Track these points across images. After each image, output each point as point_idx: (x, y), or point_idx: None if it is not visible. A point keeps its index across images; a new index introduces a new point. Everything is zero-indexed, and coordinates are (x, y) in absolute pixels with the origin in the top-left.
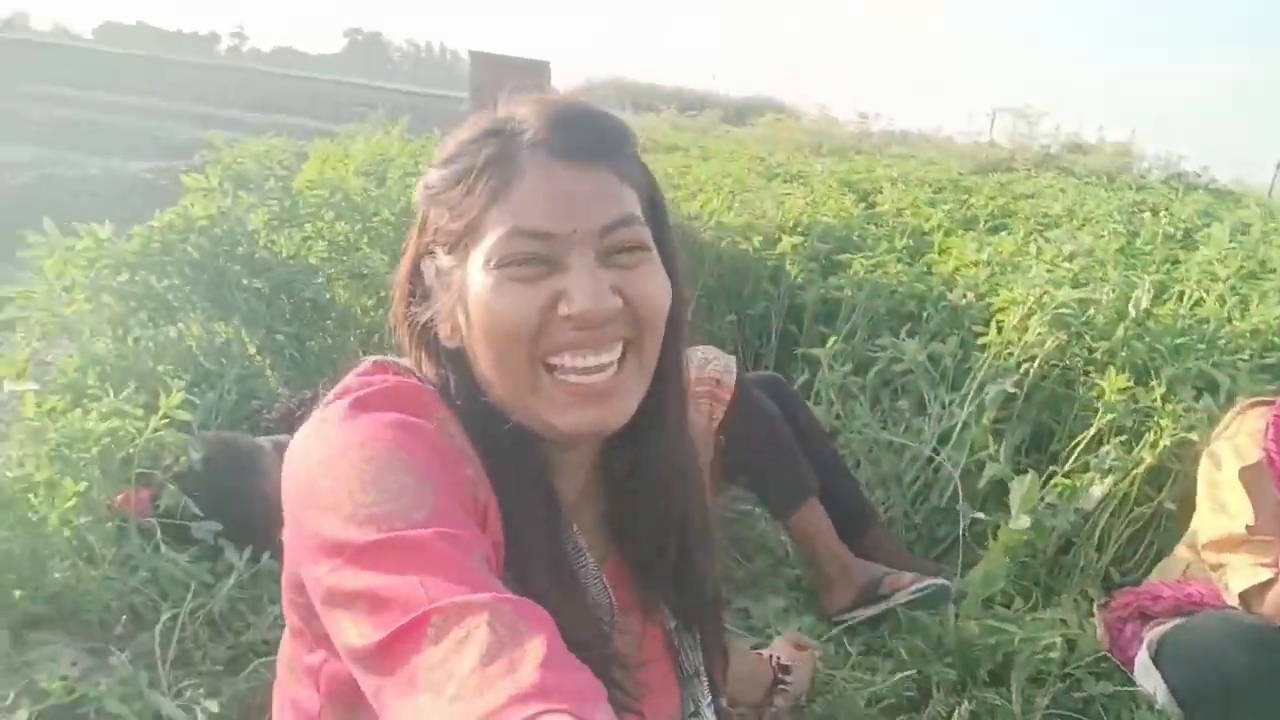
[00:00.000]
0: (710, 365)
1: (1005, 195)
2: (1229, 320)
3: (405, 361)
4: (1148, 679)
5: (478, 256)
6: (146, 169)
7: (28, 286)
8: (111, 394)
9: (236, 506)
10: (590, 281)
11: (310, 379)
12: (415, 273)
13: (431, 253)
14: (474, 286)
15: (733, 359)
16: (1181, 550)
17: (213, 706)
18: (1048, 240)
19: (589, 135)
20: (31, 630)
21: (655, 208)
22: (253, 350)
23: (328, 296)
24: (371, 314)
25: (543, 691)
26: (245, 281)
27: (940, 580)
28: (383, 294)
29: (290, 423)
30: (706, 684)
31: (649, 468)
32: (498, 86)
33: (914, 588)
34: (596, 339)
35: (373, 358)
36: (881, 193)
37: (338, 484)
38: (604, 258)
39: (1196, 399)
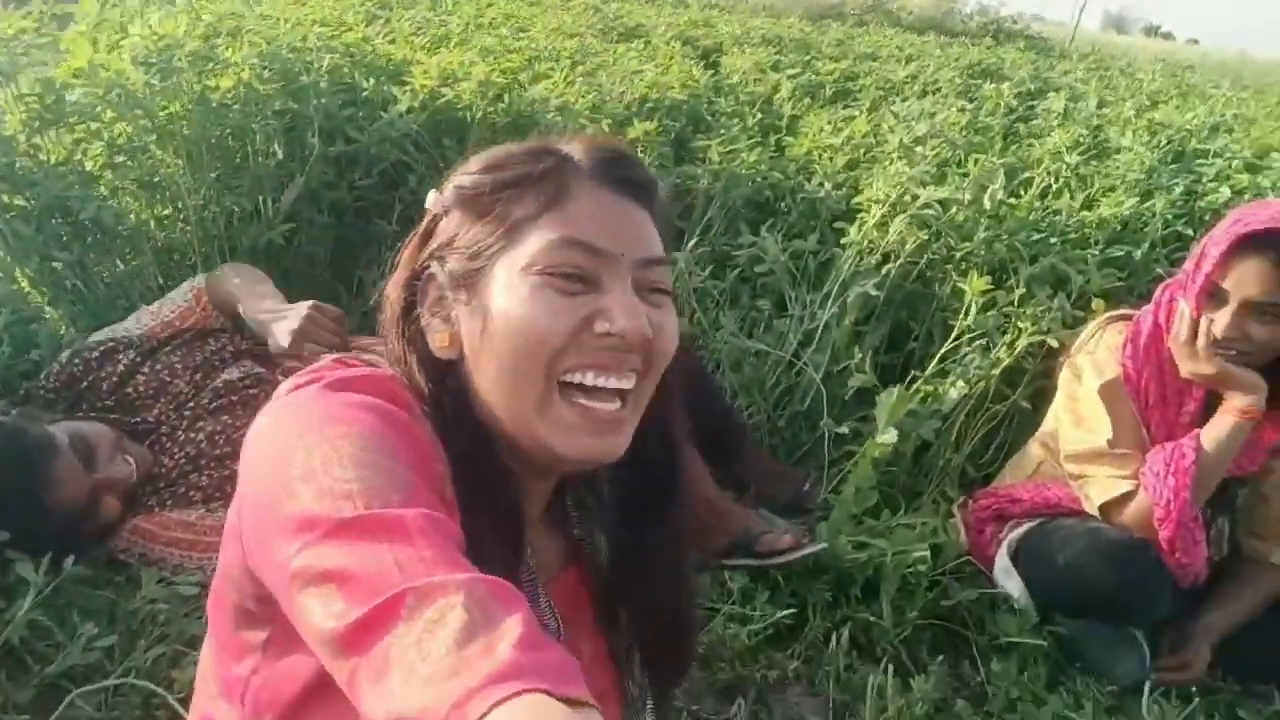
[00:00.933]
0: None
1: (848, 57)
2: (1078, 210)
3: (368, 357)
4: (1007, 580)
5: (514, 260)
6: None
7: None
8: None
9: (25, 516)
10: (633, 304)
11: (104, 315)
12: (411, 280)
13: (441, 258)
14: (504, 291)
15: None
16: (1034, 448)
17: None
18: (896, 117)
19: (636, 177)
20: None
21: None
22: (24, 285)
23: (113, 211)
24: (168, 228)
25: (519, 671)
26: (5, 199)
27: (818, 546)
28: (179, 205)
29: (74, 393)
30: (652, 712)
31: (658, 510)
32: None
33: (791, 556)
34: (620, 363)
35: (333, 355)
36: (724, 54)
37: (313, 456)
38: (638, 290)
39: (1051, 297)
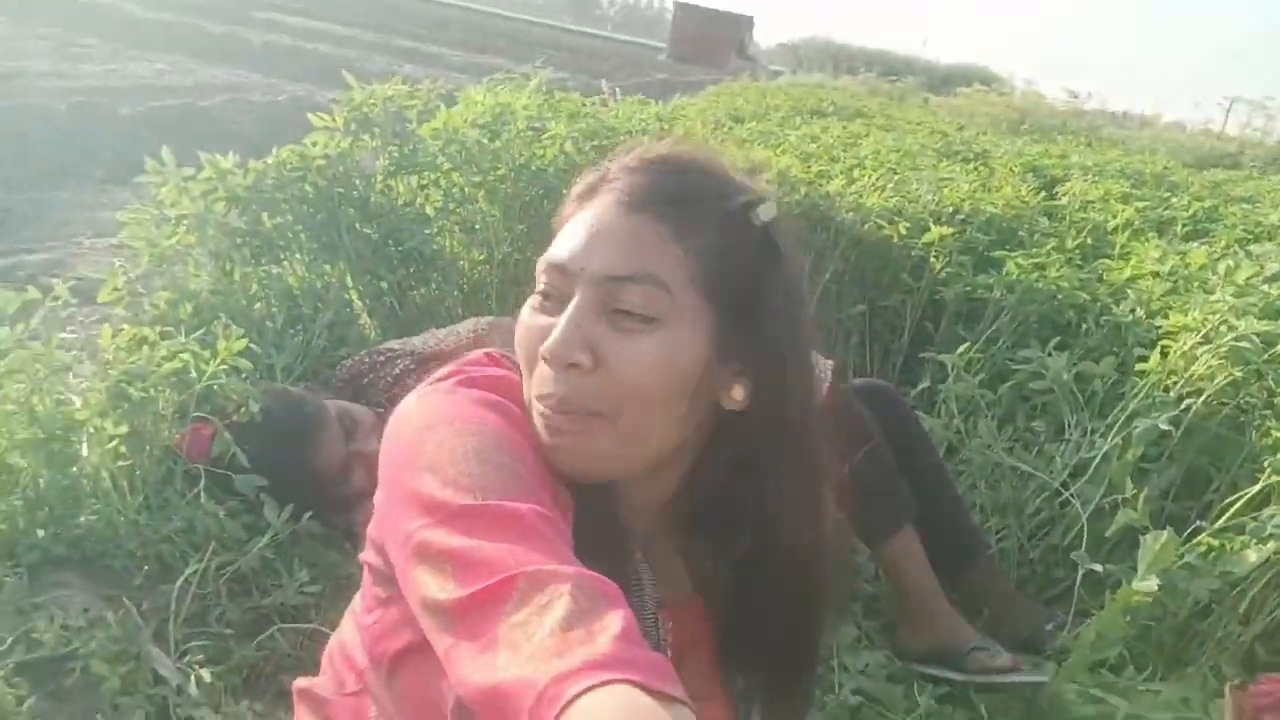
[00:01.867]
0: None
1: (1216, 197)
2: None
3: (511, 355)
4: None
5: None
6: (334, 97)
7: (141, 212)
8: (182, 333)
9: (287, 470)
10: (566, 325)
11: (408, 330)
12: None
13: None
14: None
15: (830, 362)
16: None
17: (205, 675)
18: (1250, 255)
19: (650, 182)
20: (53, 572)
21: (735, 284)
22: (354, 296)
23: (436, 247)
24: (480, 269)
25: (617, 662)
26: (357, 226)
27: (1042, 678)
28: (491, 250)
29: (356, 386)
30: None
31: (750, 576)
32: (698, 36)
33: (1007, 679)
34: (553, 401)
35: (485, 350)
36: (1068, 181)
37: (441, 450)
38: (603, 312)
39: None
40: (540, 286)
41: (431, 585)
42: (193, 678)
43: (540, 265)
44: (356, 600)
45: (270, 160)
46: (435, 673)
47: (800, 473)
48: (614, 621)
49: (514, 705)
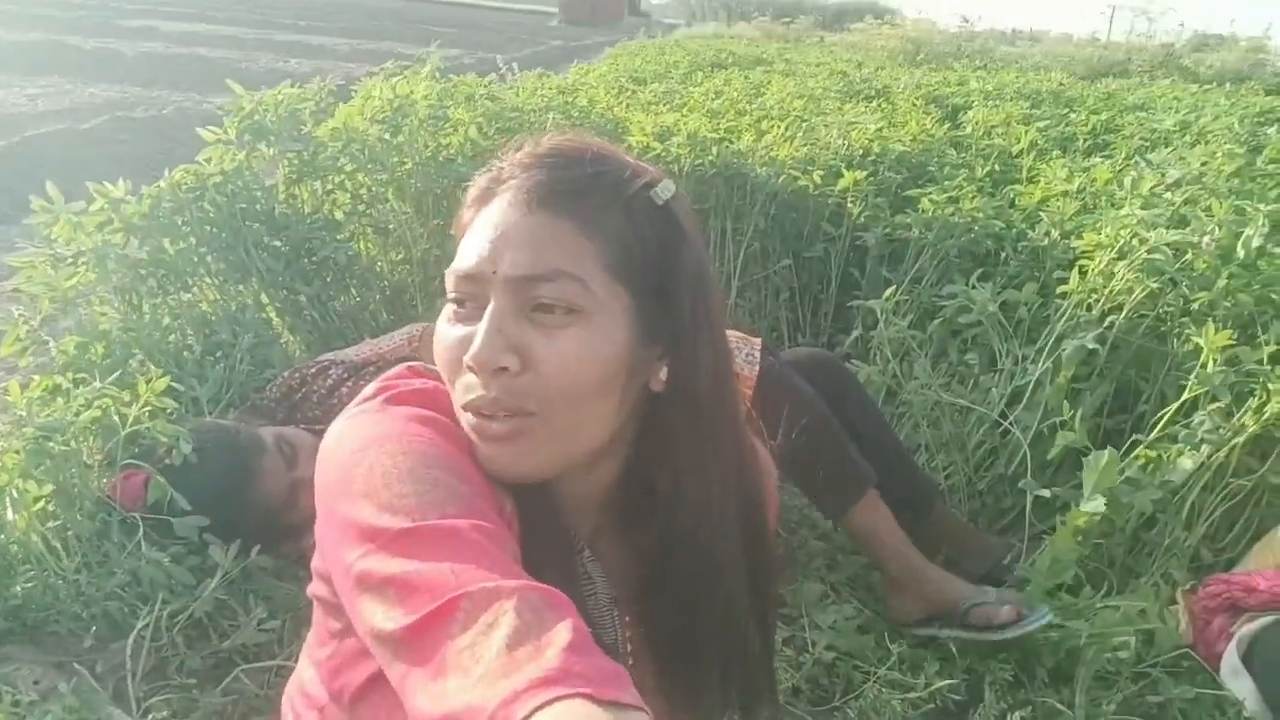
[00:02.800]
0: None
1: (1111, 108)
2: None
3: (435, 366)
4: (1236, 681)
5: None
6: (220, 104)
7: (35, 255)
8: (97, 377)
9: (229, 508)
10: (486, 331)
11: (332, 343)
12: None
13: None
14: None
15: (758, 341)
16: None
17: None
18: (1150, 163)
19: (549, 178)
20: None
21: (650, 266)
22: (272, 314)
23: (350, 253)
24: (398, 270)
25: (566, 675)
26: (264, 240)
27: (1044, 618)
28: (408, 250)
29: (290, 403)
30: None
31: (676, 561)
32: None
33: (1017, 632)
34: (483, 403)
35: (407, 363)
36: (969, 109)
37: (373, 474)
38: (523, 312)
39: None
40: (451, 295)
41: (378, 615)
42: None
43: (449, 275)
44: (310, 636)
45: (164, 183)
46: (398, 703)
47: (716, 452)
48: (562, 633)
49: None
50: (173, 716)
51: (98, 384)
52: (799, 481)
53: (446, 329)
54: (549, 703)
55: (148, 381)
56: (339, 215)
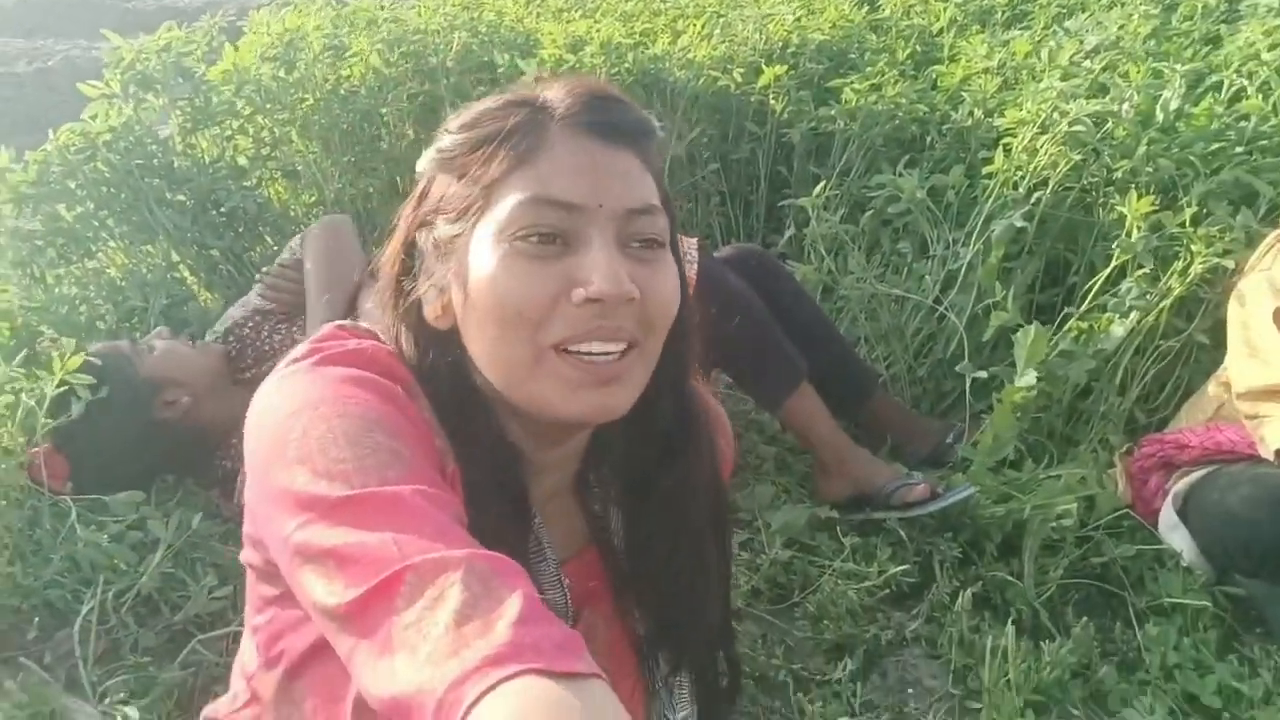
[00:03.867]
0: None
1: None
2: (1275, 112)
3: (364, 325)
4: (1173, 535)
5: (488, 225)
6: (109, 50)
7: None
8: (6, 360)
9: (140, 442)
10: (611, 263)
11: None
12: (409, 246)
13: (430, 223)
14: (479, 258)
15: (694, 240)
16: (1212, 387)
17: (131, 712)
18: (1069, 32)
19: (621, 117)
20: None
21: (669, 209)
22: (185, 272)
23: (260, 200)
24: (313, 213)
25: (516, 650)
26: (167, 196)
27: (966, 492)
28: (324, 190)
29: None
30: (679, 696)
31: (663, 482)
32: None
33: (935, 507)
34: (607, 332)
35: (333, 323)
36: None
37: (308, 438)
38: (623, 245)
39: (1233, 215)
40: (525, 231)
41: (319, 588)
42: (120, 718)
43: (526, 208)
44: (247, 605)
45: (50, 146)
46: (339, 672)
47: (686, 365)
48: (513, 604)
49: (416, 716)
50: (131, 696)
51: (5, 368)
52: (736, 376)
53: (521, 265)
54: (500, 682)
55: (61, 357)
56: (242, 162)
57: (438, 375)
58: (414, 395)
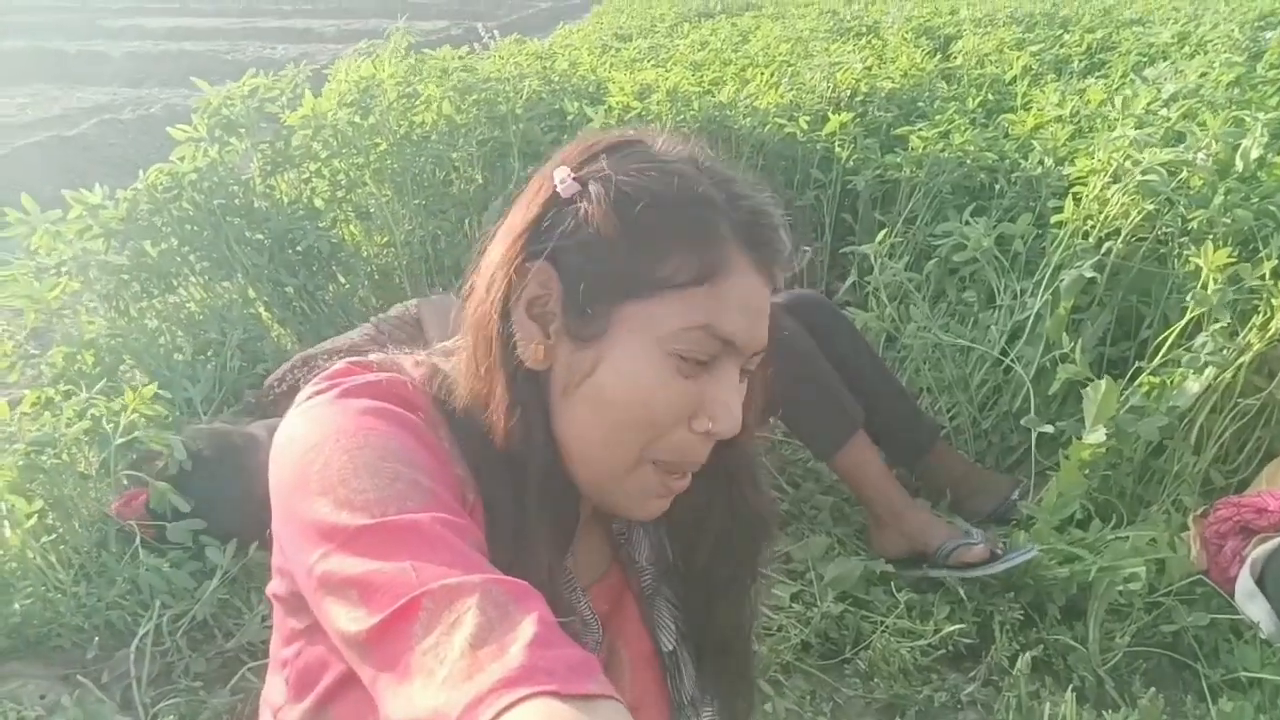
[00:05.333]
0: None
1: (1107, 25)
2: None
3: (376, 357)
4: (1251, 604)
5: (650, 320)
6: (199, 97)
7: (17, 267)
8: (84, 388)
9: (228, 509)
10: (736, 405)
11: (323, 331)
12: (521, 264)
13: (559, 256)
14: (630, 351)
15: None
16: None
17: None
18: (1146, 80)
19: (781, 250)
20: None
21: None
22: (260, 308)
23: (334, 241)
24: (384, 254)
25: (529, 673)
26: (246, 235)
27: (1029, 554)
28: (395, 233)
29: (294, 393)
30: (704, 714)
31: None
32: None
33: (995, 569)
34: (700, 454)
35: (346, 360)
36: (960, 39)
37: (329, 469)
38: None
39: None
40: (689, 351)
41: (341, 616)
42: None
43: (697, 334)
44: (273, 637)
45: (140, 185)
46: (365, 704)
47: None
48: (527, 627)
49: None
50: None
51: (86, 394)
52: (790, 424)
53: (671, 378)
54: (514, 704)
55: (136, 389)
56: (319, 203)
57: (520, 407)
58: (433, 425)
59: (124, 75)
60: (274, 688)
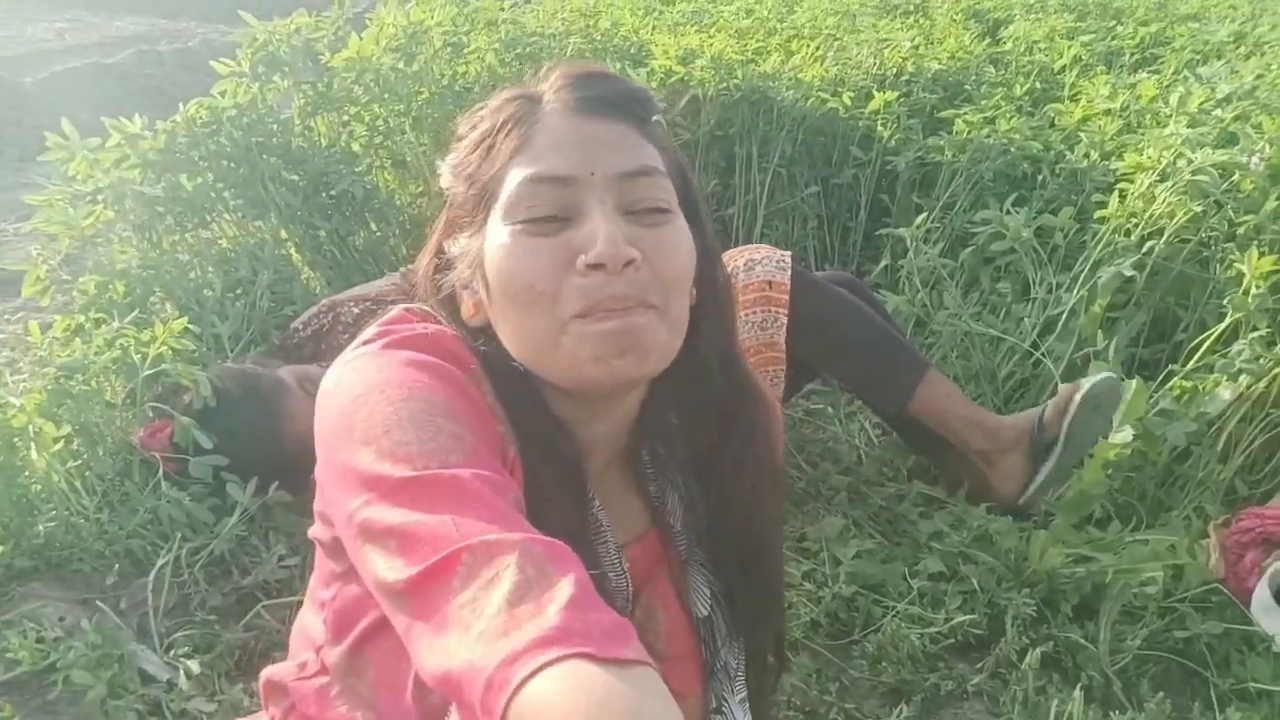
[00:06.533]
0: (757, 268)
1: (1162, 19)
2: None
3: (430, 308)
4: (1266, 617)
5: (495, 216)
6: (236, 38)
7: (53, 193)
8: (116, 317)
9: (258, 452)
10: (609, 226)
11: (351, 278)
12: (440, 253)
13: (454, 232)
14: (491, 246)
15: (788, 254)
16: None
17: (194, 666)
18: (1200, 78)
19: (610, 91)
20: (19, 585)
21: (684, 181)
22: (291, 250)
23: (368, 187)
24: (417, 203)
25: (565, 634)
26: (282, 175)
27: (1107, 374)
28: (430, 183)
29: (319, 339)
30: (736, 680)
31: (731, 449)
32: None
33: (1082, 392)
34: (617, 302)
35: (402, 305)
36: (1011, 24)
37: (374, 420)
38: (624, 211)
39: None
40: (526, 212)
41: (380, 564)
42: (182, 670)
43: (524, 188)
44: (313, 577)
45: (179, 118)
46: (400, 646)
47: (746, 372)
48: (564, 588)
49: (466, 692)
50: (195, 651)
51: (117, 324)
52: (851, 380)
53: (527, 242)
54: (549, 664)
55: (165, 322)
56: (356, 148)
57: (495, 370)
58: (477, 381)
59: (162, 7)
60: (313, 626)
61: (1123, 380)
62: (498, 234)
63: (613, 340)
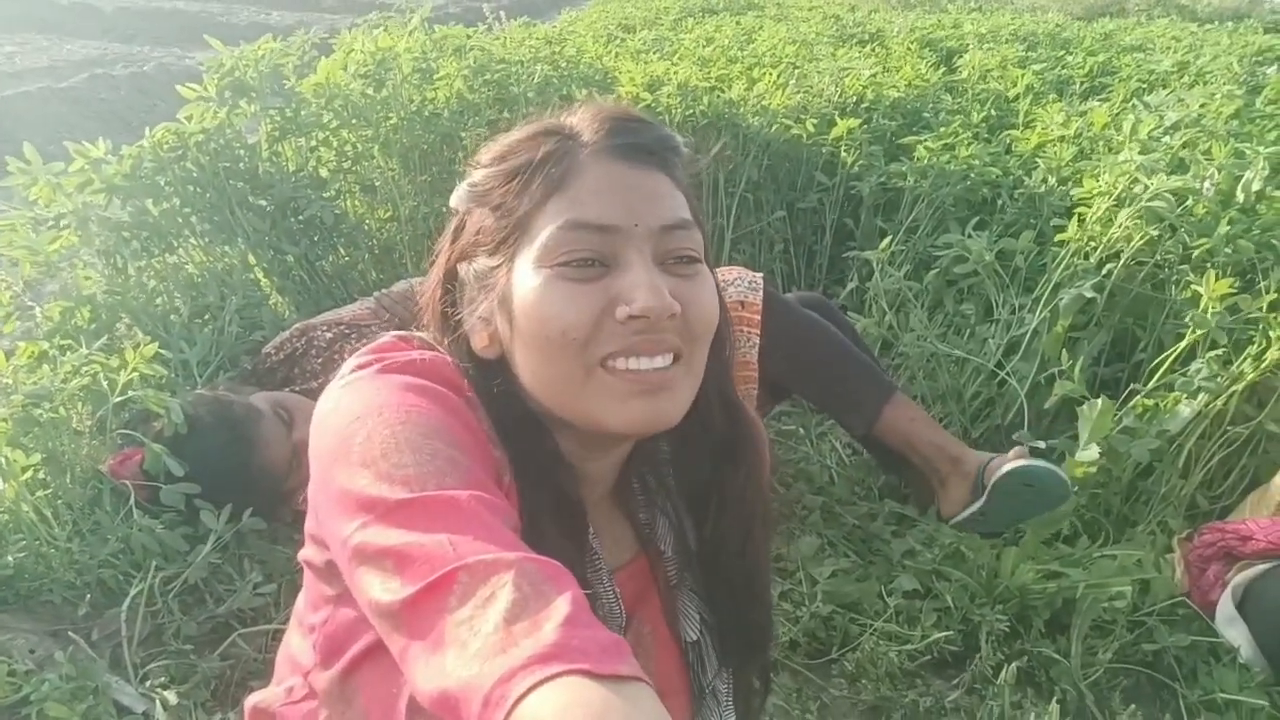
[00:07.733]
0: (730, 289)
1: (1108, 49)
2: None
3: (425, 335)
4: (1230, 629)
5: (527, 255)
6: (201, 61)
7: (15, 217)
8: (82, 343)
9: (232, 480)
10: (652, 279)
11: (321, 302)
12: (450, 278)
13: (469, 256)
14: (522, 287)
15: (760, 275)
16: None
17: (170, 697)
18: (1148, 106)
19: (649, 140)
20: None
21: (701, 225)
22: (259, 275)
23: (337, 211)
24: (386, 228)
25: (562, 651)
26: (249, 200)
27: (1052, 468)
28: (395, 207)
29: (292, 365)
30: (724, 705)
31: (728, 485)
32: None
33: (1020, 465)
34: (652, 345)
35: (394, 332)
36: (964, 53)
37: (371, 443)
38: (660, 261)
39: None
40: (565, 255)
41: (376, 586)
42: (158, 701)
43: (564, 232)
44: (300, 600)
45: (145, 142)
46: (392, 671)
47: (729, 372)
48: (560, 606)
49: (464, 710)
50: (171, 682)
51: (84, 350)
52: (819, 399)
53: (563, 288)
54: (546, 680)
55: (135, 347)
56: (324, 173)
57: (492, 400)
58: (473, 407)
59: (115, 30)
60: (301, 650)
61: (1089, 400)
62: (530, 275)
63: (638, 387)
